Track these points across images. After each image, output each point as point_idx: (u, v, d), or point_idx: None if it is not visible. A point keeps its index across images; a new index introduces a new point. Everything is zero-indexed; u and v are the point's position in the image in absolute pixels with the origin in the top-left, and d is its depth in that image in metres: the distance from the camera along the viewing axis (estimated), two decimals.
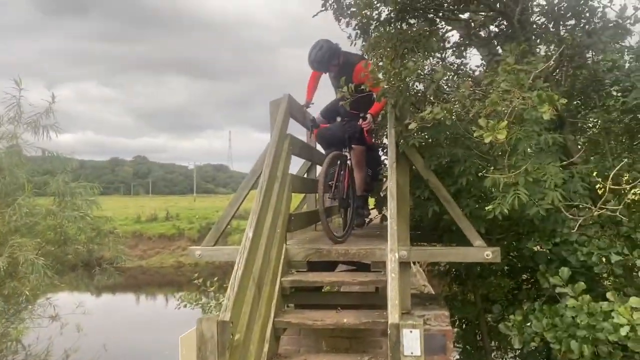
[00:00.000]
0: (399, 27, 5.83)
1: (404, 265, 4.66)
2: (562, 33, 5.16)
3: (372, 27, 5.52)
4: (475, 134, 3.28)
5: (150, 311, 22.14)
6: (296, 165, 7.01)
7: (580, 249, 4.41)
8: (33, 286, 6.76)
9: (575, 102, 5.82)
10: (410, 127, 3.90)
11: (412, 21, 5.80)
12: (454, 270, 5.97)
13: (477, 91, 3.60)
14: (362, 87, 4.55)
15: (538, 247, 4.70)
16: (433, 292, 6.97)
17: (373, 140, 5.61)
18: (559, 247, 4.51)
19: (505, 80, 3.38)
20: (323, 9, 5.75)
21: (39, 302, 8.51)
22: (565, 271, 3.94)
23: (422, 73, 4.67)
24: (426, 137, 4.55)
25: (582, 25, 5.25)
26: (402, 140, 4.28)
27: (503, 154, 3.81)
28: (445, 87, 4.72)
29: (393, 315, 2.68)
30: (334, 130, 5.21)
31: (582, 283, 3.84)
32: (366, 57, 5.18)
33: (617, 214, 4.30)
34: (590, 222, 4.49)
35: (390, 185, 3.73)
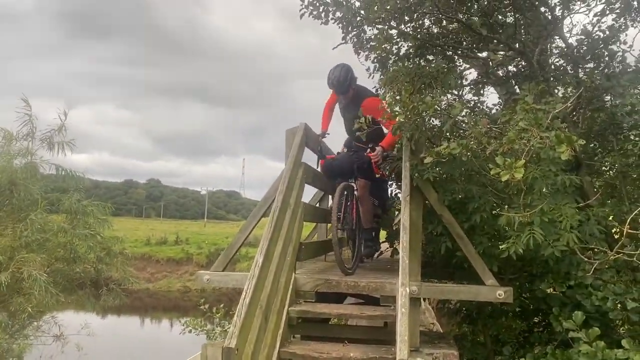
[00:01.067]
0: (417, 62, 5.90)
1: (414, 301, 4.59)
2: (580, 75, 5.18)
3: (390, 61, 5.58)
4: (492, 172, 3.25)
5: (154, 335, 21.95)
6: (309, 194, 7.02)
7: (596, 294, 4.31)
8: (38, 303, 6.73)
9: (592, 145, 5.79)
10: (425, 161, 3.89)
11: (430, 57, 5.87)
12: (464, 309, 5.85)
13: (494, 129, 3.59)
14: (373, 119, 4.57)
15: (552, 289, 4.60)
16: (441, 331, 6.80)
17: (382, 172, 5.59)
18: (573, 290, 4.42)
19: (524, 119, 3.38)
20: (343, 41, 5.84)
21: (45, 319, 8.48)
22: (579, 315, 3.84)
23: (439, 108, 4.68)
24: (441, 172, 4.53)
25: (601, 68, 5.27)
26: (416, 174, 4.25)
27: (519, 193, 3.77)
28: (462, 123, 4.71)
29: (402, 351, 2.62)
30: (341, 161, 5.21)
31: (597, 329, 3.73)
32: (381, 91, 5.21)
33: (634, 259, 4.23)
34: (606, 266, 4.40)
35: (404, 218, 3.70)
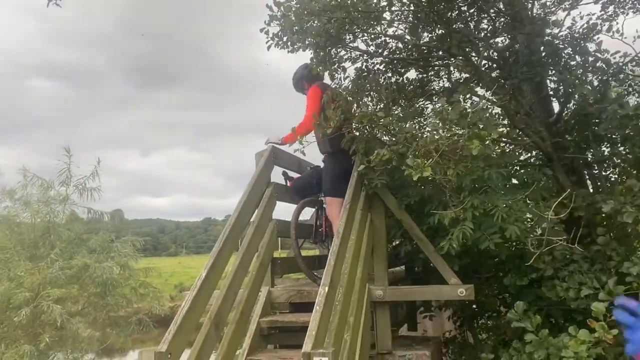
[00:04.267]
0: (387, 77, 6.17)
1: (381, 304, 4.75)
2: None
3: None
4: (406, 173, 3.45)
5: None
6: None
7: (560, 284, 4.33)
8: (63, 336, 7.33)
9: (569, 138, 5.78)
10: (359, 169, 4.10)
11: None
12: (458, 312, 5.90)
13: (415, 133, 3.78)
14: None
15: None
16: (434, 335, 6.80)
17: None
18: (539, 284, 4.46)
19: (436, 121, 3.56)
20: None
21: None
22: (520, 305, 3.89)
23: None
24: (395, 178, 4.70)
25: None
26: (366, 182, 4.45)
27: (457, 191, 3.93)
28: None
29: (307, 345, 2.83)
30: (303, 179, 5.41)
31: (538, 317, 3.77)
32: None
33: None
34: (567, 256, 4.41)
35: (340, 224, 3.89)
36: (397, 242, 5.35)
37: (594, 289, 3.97)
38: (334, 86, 5.95)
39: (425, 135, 3.57)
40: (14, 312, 6.98)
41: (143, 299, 10.12)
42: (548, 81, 5.66)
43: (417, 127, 4.00)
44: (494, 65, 5.12)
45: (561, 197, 3.82)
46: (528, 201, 4.56)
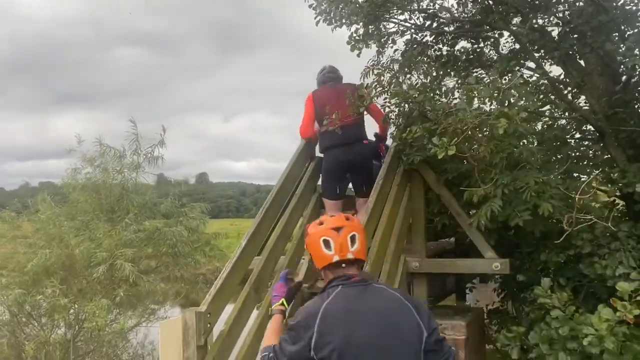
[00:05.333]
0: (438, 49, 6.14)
1: (418, 276, 4.92)
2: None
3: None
4: (432, 151, 3.55)
5: None
6: None
7: (600, 262, 4.30)
8: (136, 293, 8.11)
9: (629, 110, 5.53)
10: (391, 145, 4.22)
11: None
12: (502, 285, 5.93)
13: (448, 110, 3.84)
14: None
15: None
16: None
17: None
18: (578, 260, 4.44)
19: (467, 99, 3.61)
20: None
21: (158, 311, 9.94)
22: (547, 282, 3.92)
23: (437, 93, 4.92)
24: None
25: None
26: (404, 158, 4.55)
27: (488, 168, 3.97)
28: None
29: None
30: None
31: (565, 294, 3.79)
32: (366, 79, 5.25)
33: None
34: (608, 234, 4.35)
35: (370, 200, 4.05)
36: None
37: (631, 268, 3.92)
38: (382, 61, 6.01)
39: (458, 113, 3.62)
40: (94, 269, 7.78)
41: (210, 261, 10.84)
42: (605, 52, 5.42)
43: (452, 103, 4.02)
44: (545, 37, 4.96)
45: (594, 175, 3.76)
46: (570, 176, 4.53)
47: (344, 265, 2.17)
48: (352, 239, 2.19)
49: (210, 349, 3.43)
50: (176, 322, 3.41)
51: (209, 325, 3.41)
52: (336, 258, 2.16)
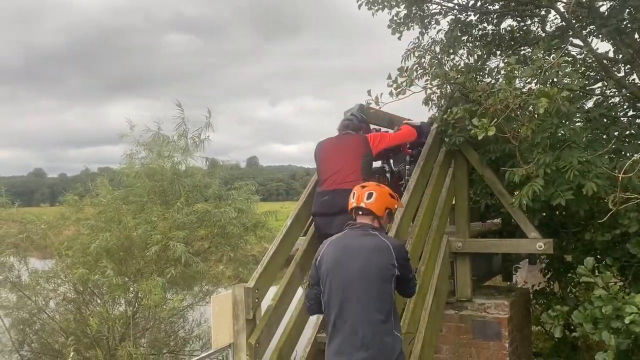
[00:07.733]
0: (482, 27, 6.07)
1: (461, 255, 4.96)
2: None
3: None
4: (472, 132, 3.58)
5: None
6: None
7: None
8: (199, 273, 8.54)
9: None
10: (432, 127, 4.26)
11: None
12: (548, 265, 5.88)
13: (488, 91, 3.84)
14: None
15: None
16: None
17: None
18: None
19: (506, 79, 3.61)
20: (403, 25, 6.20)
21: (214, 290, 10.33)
22: (590, 261, 3.89)
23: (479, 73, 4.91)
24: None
25: None
26: (446, 139, 4.57)
27: (530, 148, 3.96)
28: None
29: None
30: None
31: (609, 273, 3.76)
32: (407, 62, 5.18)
33: None
34: None
35: (411, 181, 4.11)
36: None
37: None
38: (426, 42, 6.00)
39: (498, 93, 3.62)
40: (150, 250, 8.19)
41: (260, 242, 11.11)
42: None
43: (495, 83, 4.02)
44: (593, 12, 4.84)
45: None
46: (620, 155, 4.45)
47: (360, 212, 2.92)
48: (370, 195, 2.90)
49: (259, 323, 3.64)
50: (227, 296, 3.62)
51: (256, 300, 3.61)
52: (354, 204, 2.92)
